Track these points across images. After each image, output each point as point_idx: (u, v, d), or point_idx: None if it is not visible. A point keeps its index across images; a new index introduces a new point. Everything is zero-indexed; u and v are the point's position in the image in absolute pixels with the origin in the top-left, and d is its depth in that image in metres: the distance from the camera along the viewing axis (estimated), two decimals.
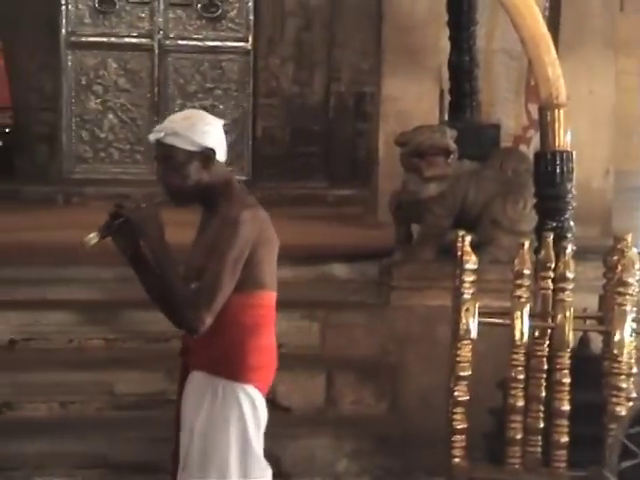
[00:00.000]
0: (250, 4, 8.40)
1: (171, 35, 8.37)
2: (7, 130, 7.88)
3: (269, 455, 4.93)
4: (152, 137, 3.30)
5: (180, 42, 8.39)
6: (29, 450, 4.91)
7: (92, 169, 8.39)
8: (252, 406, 3.35)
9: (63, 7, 8.20)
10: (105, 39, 8.28)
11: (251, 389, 3.35)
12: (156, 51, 8.34)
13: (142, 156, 8.42)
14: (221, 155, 3.33)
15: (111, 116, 8.37)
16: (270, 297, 3.41)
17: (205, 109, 8.34)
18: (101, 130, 8.39)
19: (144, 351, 5.51)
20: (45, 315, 5.56)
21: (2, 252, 5.79)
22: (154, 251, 3.17)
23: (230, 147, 9.10)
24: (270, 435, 5.12)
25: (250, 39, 8.43)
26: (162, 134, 3.27)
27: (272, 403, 5.30)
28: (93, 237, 3.13)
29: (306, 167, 8.42)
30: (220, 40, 8.42)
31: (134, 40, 8.32)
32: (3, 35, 7.80)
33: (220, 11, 8.35)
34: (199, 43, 8.40)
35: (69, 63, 8.26)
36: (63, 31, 8.22)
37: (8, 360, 5.38)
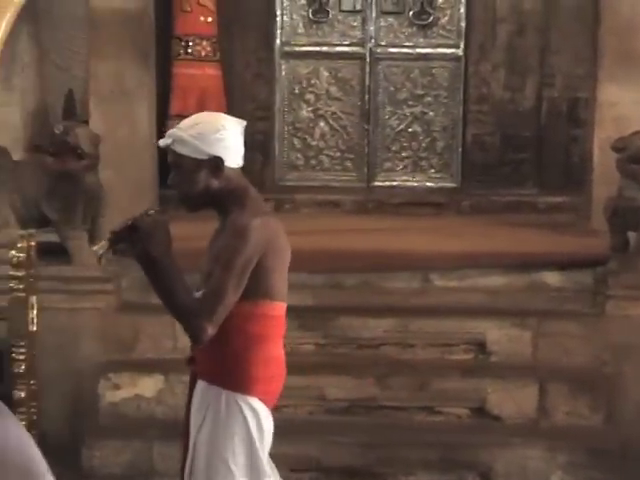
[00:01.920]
0: (462, 10, 8.36)
1: (382, 43, 8.41)
2: None
3: (479, 463, 4.89)
4: (161, 143, 3.24)
5: (391, 50, 8.42)
6: None
7: (303, 176, 8.50)
8: (256, 419, 3.25)
9: (278, 18, 8.36)
10: (317, 48, 8.41)
11: (254, 401, 3.26)
12: (367, 59, 8.40)
13: (352, 163, 8.49)
14: (233, 161, 3.22)
15: (322, 124, 8.48)
16: (278, 307, 3.29)
17: (415, 116, 8.39)
18: (312, 138, 8.51)
19: (355, 357, 5.55)
20: None
21: None
22: (160, 258, 3.10)
23: (439, 154, 9.11)
24: (479, 444, 5.10)
25: (461, 45, 8.38)
26: (170, 141, 3.21)
27: (482, 411, 5.29)
28: (103, 245, 3.14)
29: (517, 174, 8.31)
30: (431, 47, 8.41)
31: (346, 49, 8.41)
32: (221, 46, 8.02)
33: (431, 18, 8.34)
34: (410, 50, 8.41)
35: (283, 72, 8.42)
36: (277, 41, 8.39)
37: None
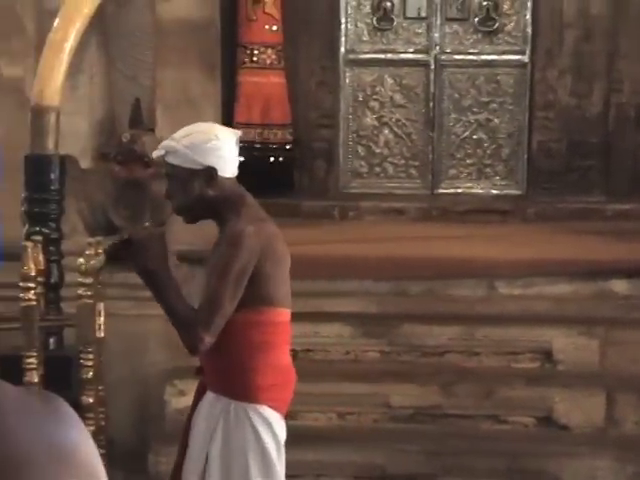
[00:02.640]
0: (528, 16, 8.31)
1: (447, 50, 8.39)
2: (288, 146, 8.12)
3: (546, 473, 4.84)
4: (154, 154, 3.24)
5: (456, 57, 8.39)
6: (310, 458, 5.02)
7: (367, 184, 8.50)
8: (268, 427, 3.21)
9: (342, 26, 8.37)
10: (382, 55, 8.40)
11: (264, 409, 3.22)
12: (432, 66, 8.38)
13: (416, 171, 8.47)
14: (227, 171, 3.22)
15: (386, 131, 8.47)
16: (281, 314, 3.27)
17: (480, 123, 8.35)
18: (376, 145, 8.50)
19: (419, 364, 5.54)
20: (324, 327, 5.68)
21: None
22: (156, 270, 3.10)
23: (504, 161, 9.04)
24: (546, 453, 5.05)
25: (527, 52, 8.33)
26: (163, 152, 3.21)
27: (549, 421, 5.24)
28: (100, 260, 3.14)
29: (583, 181, 8.23)
30: (496, 54, 8.36)
31: (410, 56, 8.40)
32: (286, 54, 8.05)
33: (497, 24, 8.30)
34: (475, 57, 8.37)
35: (347, 80, 8.42)
36: (342, 49, 8.40)
37: None
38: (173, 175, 3.23)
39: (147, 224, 3.18)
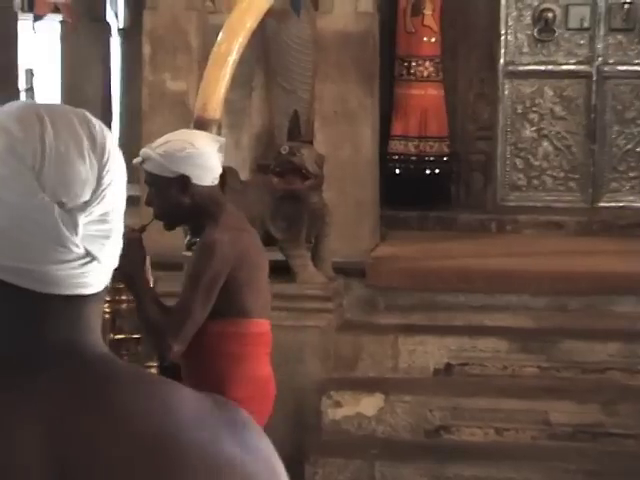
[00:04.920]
0: None
1: (610, 61, 8.21)
2: (444, 159, 8.08)
3: None
4: (134, 161, 3.19)
5: (619, 68, 8.20)
6: (466, 473, 4.97)
7: (525, 197, 8.38)
8: None
9: (502, 37, 8.29)
10: (542, 67, 8.28)
11: None
12: (594, 77, 8.21)
13: (576, 184, 8.31)
14: (204, 179, 3.19)
15: (546, 144, 8.34)
16: (258, 324, 3.21)
17: None
18: (535, 158, 8.37)
19: (579, 381, 5.42)
20: (481, 341, 5.62)
21: (441, 278, 5.94)
22: (131, 275, 3.08)
23: None
24: None
25: None
26: (140, 159, 3.20)
27: None
28: None
29: None
30: None
31: (572, 67, 8.24)
32: (444, 66, 8.03)
33: None
34: (639, 68, 8.17)
35: (506, 92, 8.33)
36: (501, 61, 8.31)
37: (445, 384, 5.49)
38: (151, 183, 3.28)
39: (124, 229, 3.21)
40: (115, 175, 1.19)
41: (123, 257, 1.19)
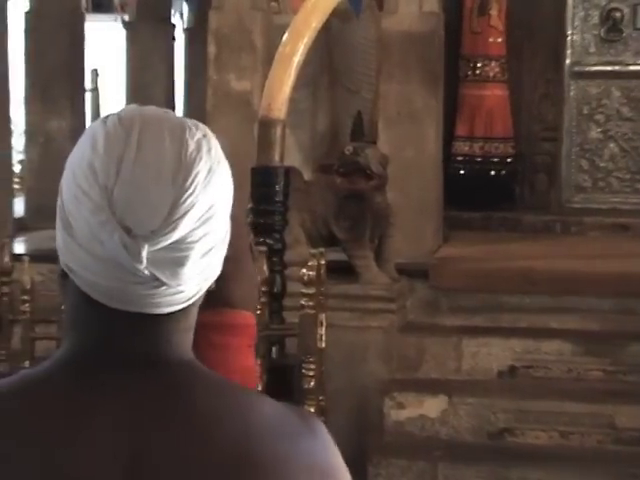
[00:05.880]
0: None
1: None
2: (509, 160, 8.02)
3: None
4: None
5: None
6: (531, 477, 4.92)
7: (591, 198, 8.30)
8: None
9: (568, 38, 8.21)
10: (609, 68, 8.19)
11: None
12: None
13: None
14: None
15: (612, 145, 8.25)
16: (242, 316, 3.11)
17: None
18: (601, 159, 8.29)
19: None
20: (545, 344, 5.57)
21: (506, 280, 5.90)
22: None
23: None
24: None
25: None
26: None
27: None
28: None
29: None
30: None
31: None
32: (509, 66, 7.97)
33: None
34: None
35: (571, 93, 8.25)
36: (567, 61, 8.23)
37: (509, 386, 5.45)
38: None
39: None
40: (200, 198, 1.14)
41: None
